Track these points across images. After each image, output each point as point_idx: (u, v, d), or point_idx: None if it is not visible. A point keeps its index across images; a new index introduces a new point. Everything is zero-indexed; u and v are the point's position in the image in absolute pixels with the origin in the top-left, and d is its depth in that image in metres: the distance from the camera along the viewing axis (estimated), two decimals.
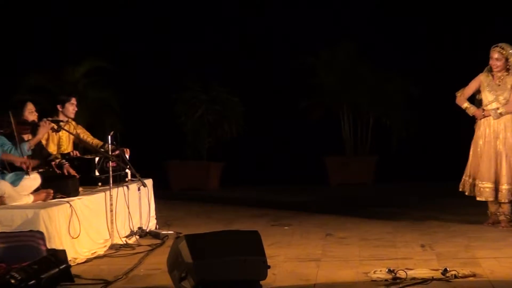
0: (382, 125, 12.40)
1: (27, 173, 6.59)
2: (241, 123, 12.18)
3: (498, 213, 7.69)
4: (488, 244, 6.85)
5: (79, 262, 6.37)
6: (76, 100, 7.97)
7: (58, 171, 7.21)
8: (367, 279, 5.55)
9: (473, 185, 7.72)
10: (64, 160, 7.37)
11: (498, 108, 7.60)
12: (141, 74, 12.26)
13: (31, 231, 6.14)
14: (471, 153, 7.77)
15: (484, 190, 7.61)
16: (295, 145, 12.43)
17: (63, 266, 5.43)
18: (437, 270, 5.66)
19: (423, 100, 11.89)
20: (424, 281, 5.42)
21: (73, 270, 5.72)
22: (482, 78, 7.70)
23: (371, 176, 12.27)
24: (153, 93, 12.16)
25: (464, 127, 8.16)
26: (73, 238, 6.46)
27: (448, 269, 5.60)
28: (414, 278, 5.47)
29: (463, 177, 7.81)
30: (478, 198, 7.70)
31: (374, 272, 5.65)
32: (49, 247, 6.05)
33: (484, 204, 7.80)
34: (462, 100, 7.77)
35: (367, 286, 5.37)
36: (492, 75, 7.64)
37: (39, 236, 6.12)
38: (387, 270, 5.62)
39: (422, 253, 6.55)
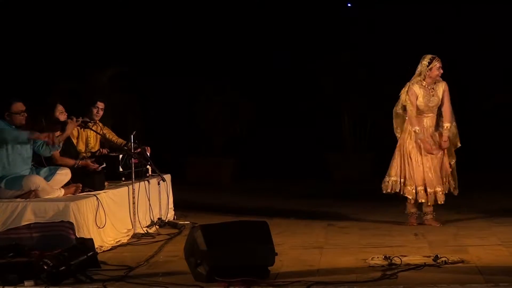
0: (379, 124, 12.36)
1: (53, 145, 6.56)
2: (251, 123, 12.17)
3: (423, 213, 7.32)
4: (475, 233, 6.82)
5: (105, 249, 6.36)
6: (103, 104, 7.96)
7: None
8: (365, 265, 5.53)
9: (398, 182, 7.29)
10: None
11: (446, 127, 7.20)
12: (160, 78, 12.27)
13: (62, 221, 6.17)
14: (396, 156, 7.34)
15: (413, 192, 7.24)
16: (301, 143, 12.42)
17: (91, 253, 5.43)
18: (429, 256, 5.64)
19: None
20: (417, 266, 5.39)
21: (100, 257, 5.71)
22: (415, 89, 7.27)
23: (369, 171, 12.23)
24: (172, 96, 12.16)
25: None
26: (99, 228, 6.46)
27: (439, 255, 5.58)
28: (408, 264, 5.45)
29: (391, 178, 7.35)
30: (408, 196, 7.26)
31: (372, 259, 5.64)
32: (78, 236, 6.08)
33: (467, 198, 7.64)
34: (415, 121, 7.24)
35: (365, 271, 5.33)
36: (423, 86, 7.25)
37: (69, 226, 6.15)
38: (383, 256, 5.61)
39: (416, 241, 6.52)
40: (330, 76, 12.26)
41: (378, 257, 5.63)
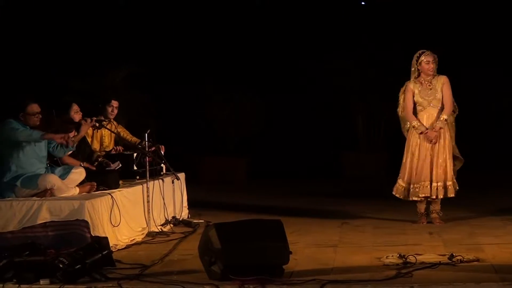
0: (393, 123, 12.32)
1: (67, 146, 6.57)
2: (264, 122, 12.19)
3: (430, 212, 7.31)
4: (490, 231, 6.79)
5: (120, 248, 6.37)
6: (118, 103, 7.98)
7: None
8: (380, 264, 5.51)
9: (408, 190, 7.28)
10: (105, 160, 7.43)
11: (442, 118, 7.17)
12: (175, 77, 12.31)
13: (77, 220, 6.19)
14: (405, 156, 7.30)
15: (420, 190, 7.22)
16: (315, 142, 12.42)
17: (106, 252, 5.43)
18: (444, 255, 5.61)
19: None
20: (432, 265, 5.36)
21: (114, 256, 5.72)
22: (411, 86, 7.25)
23: (383, 170, 12.20)
24: (186, 96, 12.20)
25: (464, 124, 8.01)
26: (114, 226, 6.49)
27: (454, 254, 5.55)
28: (423, 263, 5.42)
29: (399, 181, 7.35)
30: (414, 198, 7.26)
31: (386, 257, 5.62)
32: (93, 235, 6.10)
33: (488, 195, 7.61)
34: (411, 116, 7.23)
35: (380, 270, 5.32)
36: (420, 82, 7.24)
37: (84, 224, 6.17)
38: (398, 255, 5.59)
39: (430, 240, 6.50)
40: (344, 75, 12.25)
41: (392, 256, 5.61)
